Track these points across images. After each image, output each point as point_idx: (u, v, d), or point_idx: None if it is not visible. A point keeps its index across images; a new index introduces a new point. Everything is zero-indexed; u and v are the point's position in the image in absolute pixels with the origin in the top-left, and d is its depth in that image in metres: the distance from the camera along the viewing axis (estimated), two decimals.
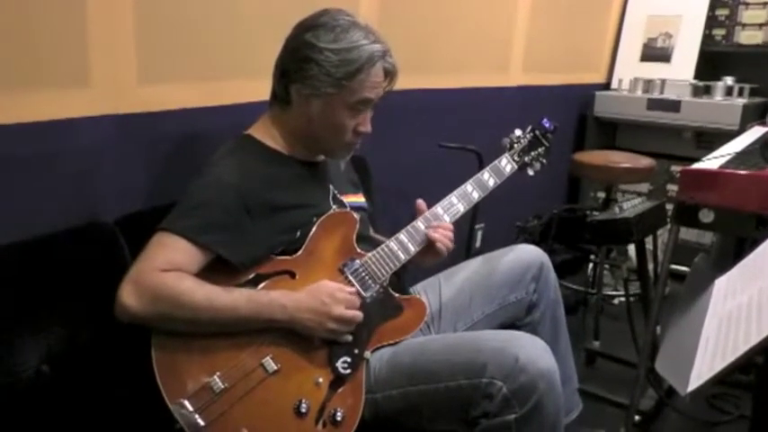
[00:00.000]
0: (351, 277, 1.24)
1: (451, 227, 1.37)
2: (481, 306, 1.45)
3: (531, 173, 1.55)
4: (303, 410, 1.13)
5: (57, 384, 1.11)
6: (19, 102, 1.19)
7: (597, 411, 1.89)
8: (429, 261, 1.38)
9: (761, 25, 3.05)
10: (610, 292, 2.77)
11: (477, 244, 2.57)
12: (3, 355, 1.06)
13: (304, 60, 1.20)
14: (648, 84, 3.08)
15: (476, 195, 1.42)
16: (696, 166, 1.70)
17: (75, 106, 1.27)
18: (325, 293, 1.17)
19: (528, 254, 1.49)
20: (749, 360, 0.82)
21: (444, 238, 1.33)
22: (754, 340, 0.81)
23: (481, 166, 1.48)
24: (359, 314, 1.20)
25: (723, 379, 0.84)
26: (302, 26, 1.24)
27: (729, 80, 2.99)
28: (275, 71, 1.27)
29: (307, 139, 1.28)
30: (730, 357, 0.82)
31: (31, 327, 1.11)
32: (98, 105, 1.31)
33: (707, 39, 3.14)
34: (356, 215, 1.31)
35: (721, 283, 1.14)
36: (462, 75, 2.45)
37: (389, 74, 1.26)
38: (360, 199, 1.43)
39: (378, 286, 1.27)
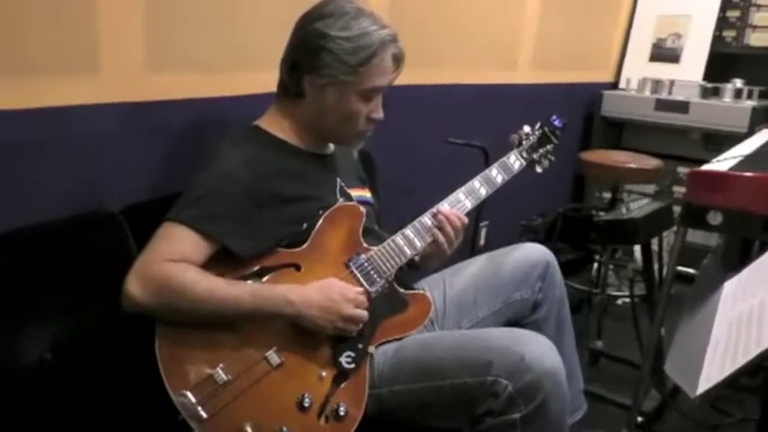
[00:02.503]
0: (356, 272, 1.24)
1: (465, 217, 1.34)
2: (486, 303, 1.44)
3: (539, 170, 1.54)
4: (306, 404, 1.12)
5: (59, 372, 1.10)
6: (27, 88, 1.18)
7: (599, 411, 1.88)
8: (434, 260, 1.37)
9: None
10: (614, 293, 2.76)
11: (482, 242, 2.56)
12: (6, 343, 1.06)
13: (316, 50, 1.19)
14: (657, 84, 3.06)
15: (483, 192, 1.41)
16: (706, 167, 1.69)
17: (83, 93, 1.26)
18: (335, 292, 1.16)
19: (534, 252, 1.48)
20: (758, 363, 0.81)
21: (452, 217, 1.31)
22: (766, 343, 0.80)
23: (487, 163, 1.47)
24: (366, 314, 1.19)
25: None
26: (309, 17, 1.23)
27: (739, 82, 2.96)
28: (284, 64, 1.26)
29: (319, 130, 1.28)
30: (741, 360, 0.81)
31: (35, 314, 1.11)
32: (106, 93, 1.30)
33: (717, 40, 3.12)
34: (363, 208, 1.30)
35: (731, 286, 1.13)
36: (470, 71, 2.43)
37: (397, 59, 1.25)
38: (366, 194, 1.42)
39: (383, 281, 1.26)
